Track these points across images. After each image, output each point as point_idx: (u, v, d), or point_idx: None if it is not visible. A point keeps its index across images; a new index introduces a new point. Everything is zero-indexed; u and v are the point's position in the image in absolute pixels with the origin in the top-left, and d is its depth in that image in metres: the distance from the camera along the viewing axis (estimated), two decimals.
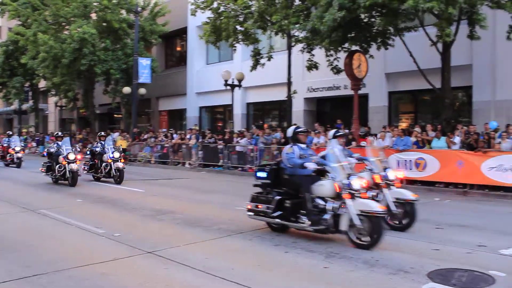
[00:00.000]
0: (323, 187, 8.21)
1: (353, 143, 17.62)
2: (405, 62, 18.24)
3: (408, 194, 9.04)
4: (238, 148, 22.43)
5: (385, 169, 9.27)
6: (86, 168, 17.80)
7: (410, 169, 15.61)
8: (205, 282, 6.12)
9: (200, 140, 24.42)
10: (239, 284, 5.95)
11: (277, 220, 8.59)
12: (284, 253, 7.49)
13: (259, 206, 8.78)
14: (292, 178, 8.68)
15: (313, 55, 20.98)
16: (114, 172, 16.82)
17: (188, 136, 25.26)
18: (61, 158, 16.00)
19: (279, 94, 24.42)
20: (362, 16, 17.20)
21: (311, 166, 8.31)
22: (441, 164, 15.01)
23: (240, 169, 21.90)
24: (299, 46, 21.19)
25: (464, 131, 15.85)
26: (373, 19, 17.46)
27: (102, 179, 17.60)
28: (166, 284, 6.03)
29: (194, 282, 6.12)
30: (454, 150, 15.05)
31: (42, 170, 17.31)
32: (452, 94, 18.28)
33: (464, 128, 16.23)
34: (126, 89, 30.11)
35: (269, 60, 21.77)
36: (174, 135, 26.52)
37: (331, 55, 19.88)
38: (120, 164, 16.76)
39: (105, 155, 17.15)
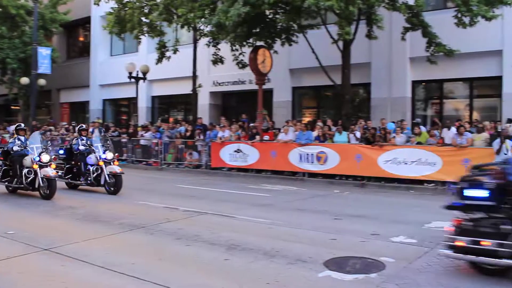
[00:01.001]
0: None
1: (257, 137, 17.90)
2: (308, 59, 18.77)
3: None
4: (142, 142, 22.08)
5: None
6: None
7: (312, 162, 16.15)
8: (104, 278, 5.99)
9: (103, 133, 23.70)
10: (139, 278, 5.88)
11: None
12: (186, 247, 7.49)
13: (483, 243, 5.78)
14: None
15: (219, 49, 21.07)
16: (107, 179, 13.18)
17: (90, 130, 24.46)
18: (28, 160, 12.40)
19: (185, 88, 24.27)
20: (267, 12, 17.51)
21: None
22: (341, 158, 15.62)
23: (144, 163, 21.60)
24: (205, 40, 21.20)
25: (362, 126, 16.55)
26: (277, 16, 17.79)
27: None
28: (62, 281, 5.84)
29: (92, 279, 5.97)
30: (353, 144, 15.71)
31: None
32: (352, 90, 19.06)
33: (362, 123, 16.95)
34: (24, 80, 28.62)
35: (174, 53, 21.58)
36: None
37: (237, 49, 20.08)
38: (116, 168, 13.35)
39: (91, 156, 13.68)
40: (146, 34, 22.84)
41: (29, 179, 12.32)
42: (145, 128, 22.87)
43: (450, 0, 16.61)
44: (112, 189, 13.14)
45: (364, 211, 10.73)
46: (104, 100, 32.36)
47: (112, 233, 8.37)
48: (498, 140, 12.74)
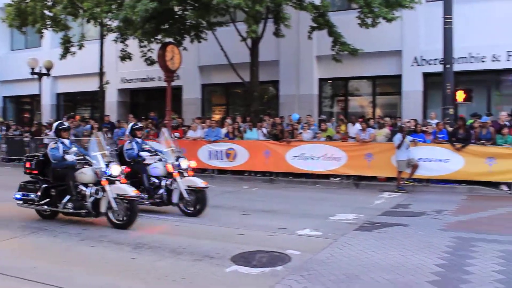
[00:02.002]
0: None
1: None
2: (218, 56, 18.78)
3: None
4: (46, 141, 21.08)
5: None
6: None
7: (221, 159, 16.21)
8: (2, 284, 5.71)
9: (3, 132, 22.56)
10: (41, 283, 5.65)
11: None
12: (91, 247, 7.29)
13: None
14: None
15: (127, 45, 20.54)
16: (186, 196, 9.74)
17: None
18: (88, 174, 8.84)
19: (92, 85, 23.50)
20: (176, 8, 17.33)
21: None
22: (250, 154, 15.78)
23: None
24: (112, 35, 20.62)
25: (271, 123, 16.81)
26: (186, 12, 17.64)
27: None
28: None
29: None
30: (262, 141, 15.92)
31: (22, 198, 9.38)
32: (260, 87, 19.30)
33: (270, 119, 17.21)
34: None
35: (80, 48, 20.88)
36: None
37: (145, 46, 19.75)
38: (198, 181, 9.87)
39: (156, 165, 10.29)
40: (50, 28, 21.88)
41: (91, 201, 8.71)
42: (49, 126, 21.92)
43: (354, 2, 17.20)
44: (192, 209, 9.74)
45: (272, 206, 10.92)
46: (5, 98, 30.67)
47: (12, 237, 7.99)
48: (399, 135, 13.36)
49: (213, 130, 16.70)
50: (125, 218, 8.49)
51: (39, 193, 9.06)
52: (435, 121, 14.90)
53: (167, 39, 18.87)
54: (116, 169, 8.63)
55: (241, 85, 19.07)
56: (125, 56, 20.76)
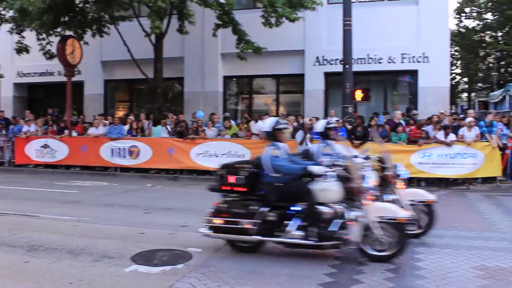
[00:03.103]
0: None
1: (66, 132, 17.07)
2: (121, 51, 18.31)
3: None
4: None
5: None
6: None
7: (124, 157, 15.85)
8: None
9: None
10: None
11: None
12: None
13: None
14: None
15: (24, 37, 19.47)
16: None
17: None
18: (336, 190, 6.47)
19: None
20: (76, 0, 16.73)
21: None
22: (154, 152, 15.56)
23: None
24: (7, 26, 19.49)
25: (174, 120, 16.67)
26: (87, 5, 17.07)
27: None
28: None
29: None
30: (166, 138, 15.74)
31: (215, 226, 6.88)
32: (165, 84, 19.08)
33: (174, 117, 17.05)
34: None
35: None
36: None
37: (43, 38, 18.82)
38: (427, 195, 7.68)
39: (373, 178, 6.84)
40: None
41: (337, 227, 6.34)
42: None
43: (258, 1, 17.44)
44: (426, 228, 7.61)
45: (175, 204, 10.85)
46: None
47: None
48: (300, 132, 13.69)
49: (115, 127, 16.29)
50: (389, 248, 6.25)
51: (258, 220, 6.47)
52: (335, 119, 15.42)
53: (68, 32, 18.17)
54: (373, 179, 6.63)
55: (145, 81, 18.75)
56: (22, 49, 19.64)
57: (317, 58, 19.40)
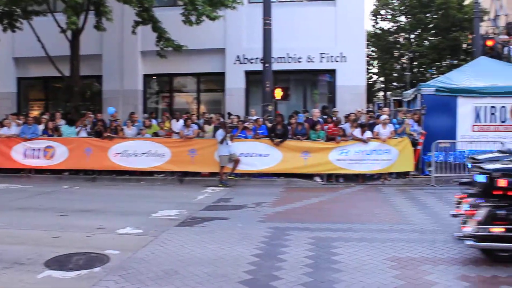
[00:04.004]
0: None
1: None
2: (36, 48, 17.48)
3: None
4: None
5: None
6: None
7: (39, 157, 15.18)
8: None
9: None
10: None
11: None
12: None
13: None
14: None
15: None
16: None
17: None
18: None
19: None
20: None
21: None
22: (70, 152, 15.00)
23: None
24: None
25: (92, 119, 16.19)
26: None
27: None
28: None
29: None
30: (83, 138, 15.23)
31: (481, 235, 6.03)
32: (82, 82, 18.47)
33: (92, 116, 16.56)
34: None
35: None
36: None
37: None
38: None
39: None
40: None
41: None
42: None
43: None
44: None
45: (93, 206, 10.52)
46: None
47: None
48: (221, 131, 13.68)
49: (29, 126, 15.57)
50: None
51: None
52: (255, 117, 15.54)
53: None
54: None
55: (62, 79, 18.07)
56: None
57: (238, 56, 19.50)
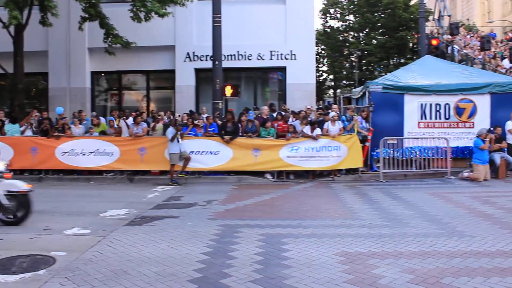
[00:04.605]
0: None
1: None
2: None
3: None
4: None
5: None
6: None
7: None
8: None
9: None
10: None
11: None
12: None
13: None
14: None
15: None
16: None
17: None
18: None
19: None
20: None
21: None
22: (15, 151, 14.50)
23: None
24: None
25: (37, 118, 15.75)
26: None
27: None
28: None
29: None
30: (28, 137, 14.78)
31: None
32: (26, 79, 17.91)
33: (37, 114, 16.11)
34: None
35: None
36: None
37: None
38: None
39: None
40: None
41: None
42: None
43: None
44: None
45: (39, 206, 10.09)
46: None
47: None
48: (171, 129, 13.55)
49: None
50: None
51: None
52: (206, 115, 15.48)
53: None
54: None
55: (5, 76, 17.49)
56: None
57: (188, 54, 19.38)
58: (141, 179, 14.23)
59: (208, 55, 18.03)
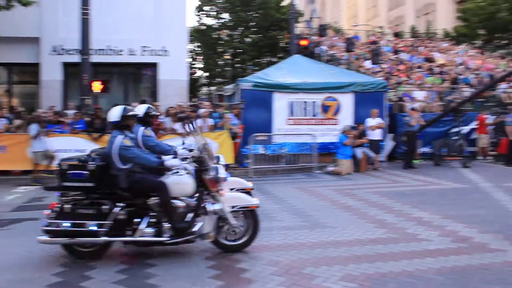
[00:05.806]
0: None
1: None
2: None
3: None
4: None
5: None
6: None
7: None
8: None
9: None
10: None
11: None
12: None
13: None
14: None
15: None
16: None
17: None
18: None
19: None
20: None
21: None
22: None
23: None
24: None
25: None
26: None
27: None
28: None
29: None
30: None
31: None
32: None
33: None
34: None
35: None
36: None
37: None
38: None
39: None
40: None
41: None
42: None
43: None
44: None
45: None
46: None
47: None
48: (35, 126, 12.83)
49: None
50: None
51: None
52: (73, 111, 14.85)
53: None
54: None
55: None
56: None
57: (54, 47, 18.46)
58: (1, 180, 13.28)
59: (76, 49, 17.22)
